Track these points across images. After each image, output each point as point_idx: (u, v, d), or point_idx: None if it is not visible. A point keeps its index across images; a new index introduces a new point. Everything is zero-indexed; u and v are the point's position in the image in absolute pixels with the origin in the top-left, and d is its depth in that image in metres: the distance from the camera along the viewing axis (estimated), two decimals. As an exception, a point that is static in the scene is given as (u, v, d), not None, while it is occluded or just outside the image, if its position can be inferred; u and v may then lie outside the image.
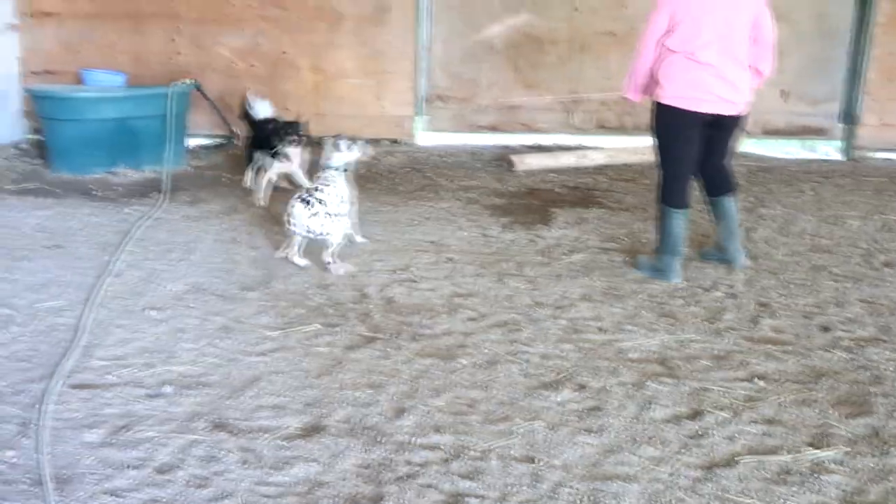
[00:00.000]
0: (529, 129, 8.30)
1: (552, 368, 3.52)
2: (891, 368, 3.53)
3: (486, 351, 3.67)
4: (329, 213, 4.58)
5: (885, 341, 3.81)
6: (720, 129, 4.49)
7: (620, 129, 8.22)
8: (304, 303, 4.18)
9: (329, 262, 4.60)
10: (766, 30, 4.37)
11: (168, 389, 3.27)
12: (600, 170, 7.33)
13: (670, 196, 4.53)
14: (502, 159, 7.57)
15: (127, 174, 6.85)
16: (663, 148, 4.55)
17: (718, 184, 4.65)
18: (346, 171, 4.76)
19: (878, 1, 7.73)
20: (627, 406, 3.21)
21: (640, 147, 7.54)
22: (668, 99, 4.40)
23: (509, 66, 8.27)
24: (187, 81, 7.37)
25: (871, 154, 7.97)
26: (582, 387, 3.36)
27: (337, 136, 4.79)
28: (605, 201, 6.31)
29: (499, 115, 8.32)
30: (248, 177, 6.52)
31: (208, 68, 8.15)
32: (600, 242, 5.24)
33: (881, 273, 4.72)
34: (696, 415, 3.14)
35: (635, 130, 8.11)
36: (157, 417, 3.06)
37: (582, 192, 6.62)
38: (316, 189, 4.65)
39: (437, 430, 3.02)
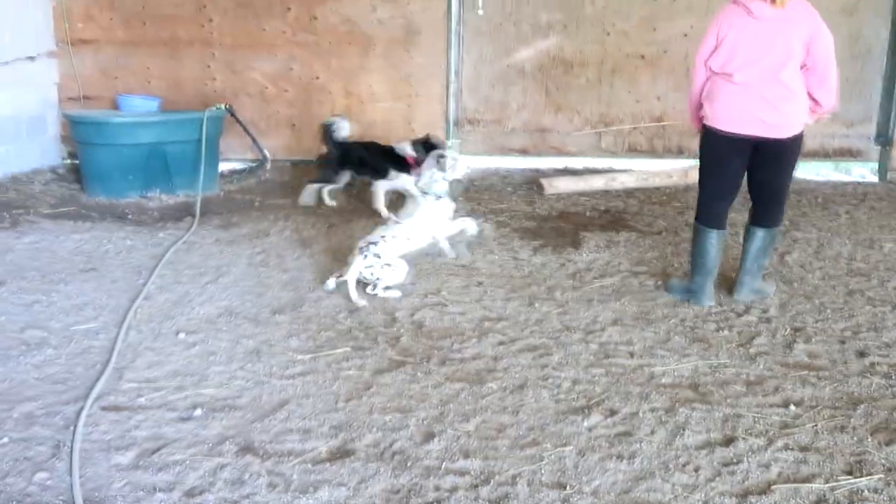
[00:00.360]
0: (559, 152, 8.28)
1: (582, 393, 3.49)
2: (930, 395, 3.46)
3: (515, 375, 3.65)
4: (385, 264, 4.62)
5: (923, 367, 3.74)
6: (765, 154, 4.35)
7: (651, 152, 8.19)
8: (335, 326, 4.20)
9: (376, 294, 4.62)
10: (820, 56, 4.19)
11: (198, 412, 3.29)
12: (631, 193, 7.29)
13: (704, 215, 4.51)
14: (532, 182, 7.57)
15: (161, 198, 6.95)
16: (702, 167, 4.54)
17: (755, 212, 4.53)
18: (439, 196, 4.73)
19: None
20: (659, 432, 3.17)
21: (671, 170, 7.52)
22: (708, 120, 4.39)
23: (539, 89, 8.29)
24: (220, 106, 7.47)
25: (906, 176, 7.86)
26: (612, 412, 3.32)
27: (439, 152, 4.78)
28: (635, 225, 6.27)
29: (529, 138, 8.32)
30: (310, 195, 6.70)
31: (241, 93, 8.26)
32: (631, 266, 5.21)
33: (919, 297, 4.64)
34: (729, 441, 3.10)
35: (666, 153, 8.09)
36: (187, 440, 3.08)
37: (612, 215, 6.59)
38: (374, 243, 4.66)
39: (466, 455, 3.00)
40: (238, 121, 7.64)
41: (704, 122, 4.43)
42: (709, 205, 4.51)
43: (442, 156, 4.76)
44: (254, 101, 8.28)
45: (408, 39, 8.21)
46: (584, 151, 8.26)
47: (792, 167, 4.46)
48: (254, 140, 7.84)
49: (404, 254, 4.79)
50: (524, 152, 8.37)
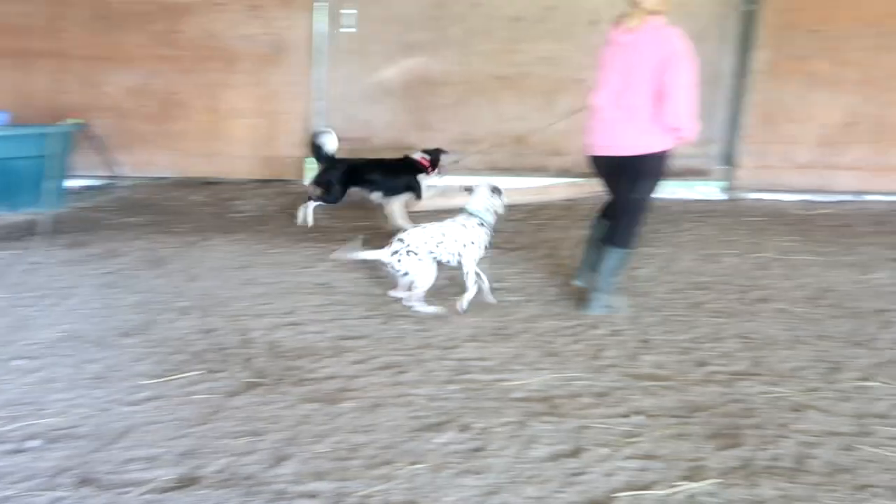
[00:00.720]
0: (423, 169, 8.32)
1: (437, 410, 3.51)
2: (761, 401, 3.66)
3: (371, 394, 3.64)
4: (411, 251, 4.63)
5: (757, 375, 3.95)
6: (615, 171, 4.53)
7: (512, 171, 8.35)
8: (186, 349, 4.07)
9: (410, 306, 4.68)
10: (670, 82, 4.25)
11: (34, 444, 3.12)
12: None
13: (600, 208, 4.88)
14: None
15: (3, 216, 6.57)
16: None
17: (608, 229, 4.70)
18: (480, 221, 4.80)
19: (757, 50, 8.16)
20: (510, 446, 3.22)
21: (531, 188, 7.71)
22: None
23: (404, 108, 8.35)
24: (72, 121, 7.16)
25: (748, 194, 8.36)
26: (466, 428, 3.36)
27: (495, 186, 4.91)
28: (495, 241, 6.35)
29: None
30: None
31: (96, 107, 7.95)
32: (489, 282, 5.27)
33: (755, 309, 4.91)
34: (576, 452, 3.18)
35: (526, 172, 8.28)
36: (21, 473, 2.92)
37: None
38: (404, 229, 4.84)
39: (318, 476, 2.97)
40: (91, 136, 7.34)
41: None
42: (604, 202, 4.83)
43: (499, 189, 4.88)
44: (109, 116, 7.98)
45: (273, 56, 8.13)
46: (447, 169, 8.34)
47: (633, 186, 4.50)
48: (107, 156, 7.55)
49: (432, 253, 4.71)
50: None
